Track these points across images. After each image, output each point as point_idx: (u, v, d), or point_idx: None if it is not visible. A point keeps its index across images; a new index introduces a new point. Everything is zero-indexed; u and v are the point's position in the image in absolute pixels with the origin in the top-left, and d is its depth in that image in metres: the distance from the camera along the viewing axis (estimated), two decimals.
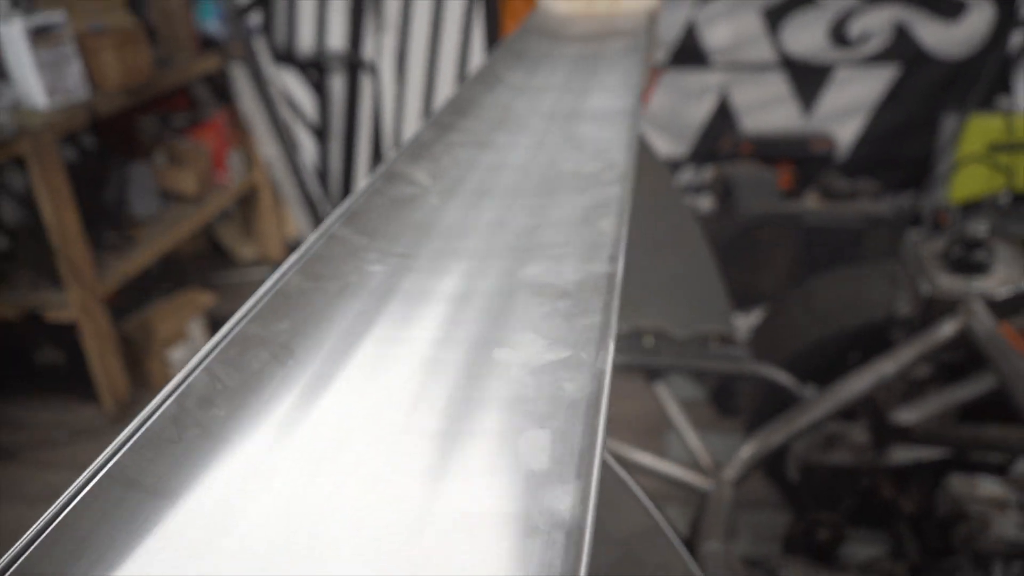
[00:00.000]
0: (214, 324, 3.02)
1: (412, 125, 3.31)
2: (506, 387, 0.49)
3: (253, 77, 3.25)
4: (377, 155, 3.42)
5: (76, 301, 2.51)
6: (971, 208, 2.72)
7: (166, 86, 2.92)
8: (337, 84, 3.34)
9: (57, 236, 2.46)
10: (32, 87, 2.41)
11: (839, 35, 2.89)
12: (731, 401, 2.30)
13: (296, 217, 3.54)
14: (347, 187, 3.50)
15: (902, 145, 2.99)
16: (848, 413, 1.64)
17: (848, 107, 3.00)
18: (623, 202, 0.74)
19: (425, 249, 0.68)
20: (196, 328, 2.92)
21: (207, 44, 3.14)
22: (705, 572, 1.28)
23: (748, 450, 1.45)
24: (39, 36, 2.39)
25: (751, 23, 2.90)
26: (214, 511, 0.40)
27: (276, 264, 0.67)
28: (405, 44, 3.18)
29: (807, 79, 2.98)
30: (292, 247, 3.42)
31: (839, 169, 2.94)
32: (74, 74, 2.51)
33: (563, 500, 0.39)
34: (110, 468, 0.41)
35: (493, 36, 3.08)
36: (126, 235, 2.82)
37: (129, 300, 2.91)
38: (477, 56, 3.17)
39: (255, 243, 3.65)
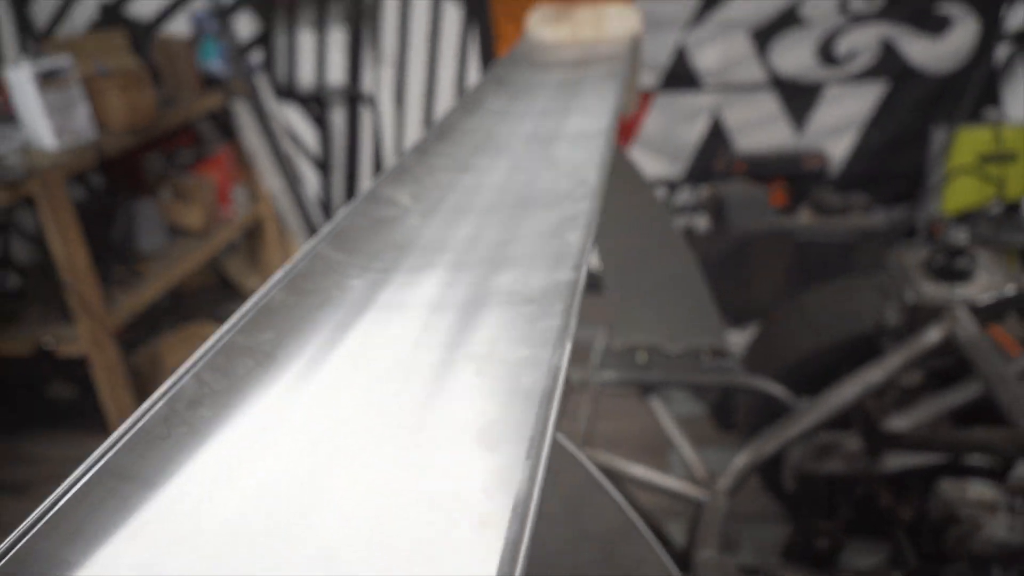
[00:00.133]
0: None
1: None
2: (471, 381, 0.53)
3: (256, 113, 3.33)
4: None
5: (86, 335, 2.56)
6: (964, 219, 2.76)
7: (171, 124, 3.00)
8: (338, 117, 3.42)
9: (67, 272, 2.52)
10: (41, 129, 2.49)
11: (827, 54, 2.95)
12: (730, 416, 2.32)
13: (301, 248, 3.60)
14: None
15: (894, 159, 3.03)
16: (842, 423, 1.67)
17: (839, 124, 3.05)
18: (592, 216, 0.78)
19: (403, 264, 0.72)
20: None
21: (210, 82, 3.22)
22: None
23: (741, 460, 1.48)
24: (47, 80, 2.47)
25: (740, 45, 2.97)
26: (198, 499, 0.44)
27: None
28: (403, 76, 3.26)
29: (798, 98, 3.04)
30: None
31: (832, 185, 2.98)
32: (81, 116, 2.59)
33: (514, 476, 0.43)
34: (104, 462, 0.45)
35: (488, 65, 3.16)
36: (134, 270, 2.88)
37: (138, 333, 2.96)
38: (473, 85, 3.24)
39: (261, 275, 3.71)
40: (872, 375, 1.50)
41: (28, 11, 3.30)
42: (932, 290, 1.54)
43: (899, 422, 1.58)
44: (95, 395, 2.65)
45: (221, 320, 0.58)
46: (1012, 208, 2.75)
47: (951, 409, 1.58)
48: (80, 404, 2.76)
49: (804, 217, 2.52)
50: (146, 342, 2.94)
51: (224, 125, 3.47)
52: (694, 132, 3.16)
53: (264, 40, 3.31)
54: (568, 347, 0.56)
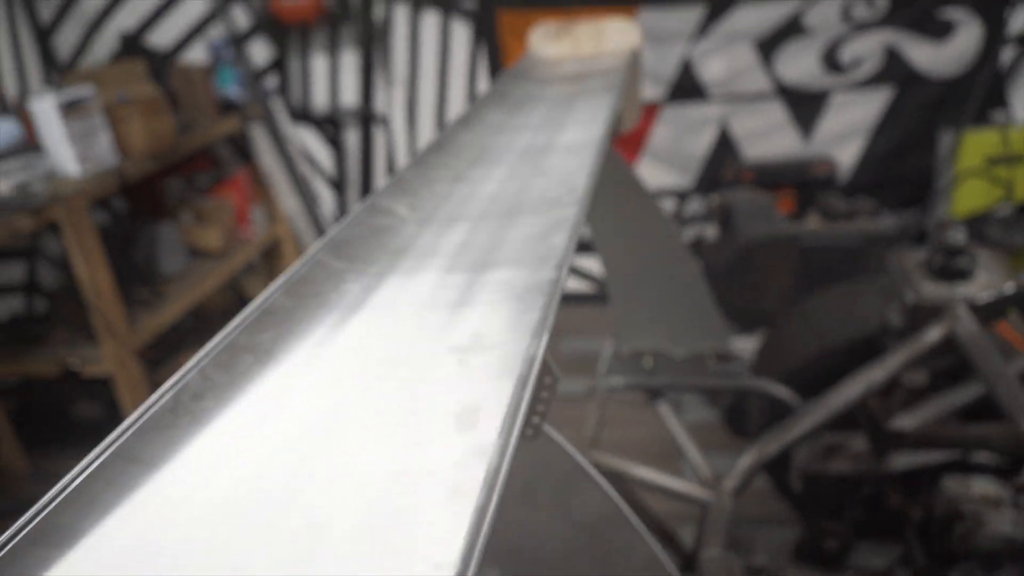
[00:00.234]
0: None
1: None
2: (454, 370, 0.57)
3: (272, 136, 3.41)
4: None
5: (110, 355, 2.63)
6: (973, 222, 2.76)
7: (189, 149, 3.08)
8: (352, 138, 3.49)
9: (91, 294, 2.59)
10: (64, 157, 2.57)
11: (832, 61, 2.97)
12: (743, 422, 2.33)
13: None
14: None
15: (902, 164, 3.05)
16: (849, 424, 1.69)
17: (846, 130, 3.07)
18: (578, 220, 0.82)
19: (398, 268, 0.76)
20: None
21: (227, 107, 3.31)
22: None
23: (746, 461, 1.50)
24: (70, 109, 2.55)
25: (745, 55, 3.00)
26: (197, 479, 0.48)
27: None
28: (414, 96, 3.32)
29: (804, 106, 3.06)
30: None
31: (841, 191, 3.00)
32: (103, 143, 2.67)
33: (486, 452, 0.47)
34: (116, 447, 0.49)
35: None
36: (156, 291, 2.95)
37: (160, 353, 3.03)
38: None
39: None
40: (874, 374, 1.52)
41: (51, 44, 3.41)
42: (932, 290, 1.56)
43: (904, 421, 1.60)
44: (119, 414, 2.72)
45: None
46: (1022, 210, 2.75)
47: (955, 408, 1.59)
48: (105, 423, 2.83)
49: (811, 223, 2.54)
50: (168, 361, 3.00)
51: (241, 148, 3.56)
52: (702, 143, 3.19)
53: (279, 65, 3.39)
54: (545, 338, 0.60)
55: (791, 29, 2.93)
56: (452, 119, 3.34)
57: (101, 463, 0.48)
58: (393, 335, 0.64)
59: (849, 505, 1.68)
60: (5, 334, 2.91)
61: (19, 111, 2.71)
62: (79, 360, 2.66)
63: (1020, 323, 1.62)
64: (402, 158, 3.45)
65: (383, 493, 0.46)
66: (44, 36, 3.38)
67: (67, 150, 2.55)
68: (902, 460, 1.64)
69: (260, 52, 3.36)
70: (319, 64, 3.37)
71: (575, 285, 3.47)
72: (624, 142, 3.21)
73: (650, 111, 3.16)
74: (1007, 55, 2.87)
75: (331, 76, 3.38)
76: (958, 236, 1.58)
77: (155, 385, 2.87)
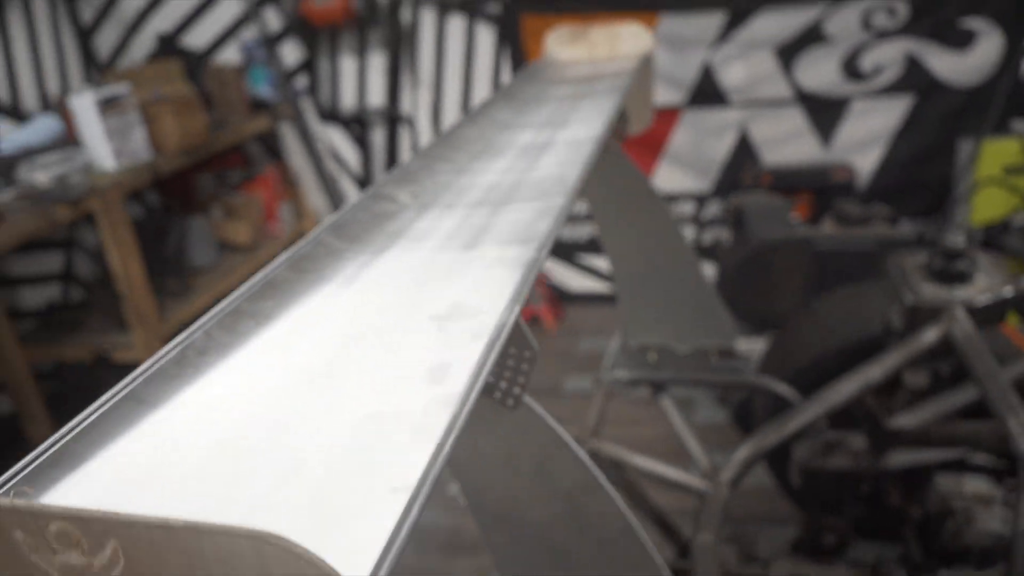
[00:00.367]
0: None
1: None
2: (432, 335, 0.63)
3: (301, 135, 3.50)
4: None
5: (140, 342, 2.73)
6: (991, 230, 2.77)
7: (221, 146, 3.18)
8: (378, 137, 3.57)
9: (124, 285, 2.69)
10: (101, 151, 2.68)
11: (852, 69, 3.00)
12: (752, 422, 2.37)
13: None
14: None
15: (921, 171, 3.05)
16: (849, 422, 1.72)
17: (866, 137, 3.09)
18: (564, 208, 0.88)
19: (393, 247, 0.83)
20: None
21: (258, 106, 3.41)
22: (699, 561, 1.37)
23: (743, 452, 1.54)
24: (107, 106, 2.66)
25: (765, 62, 3.03)
26: (193, 416, 0.55)
27: None
28: (439, 97, 3.40)
29: (824, 112, 3.09)
30: None
31: (860, 197, 3.02)
32: (138, 139, 2.78)
33: (450, 401, 0.53)
34: (126, 392, 0.56)
35: None
36: (186, 283, 3.05)
37: None
38: None
39: None
40: (871, 373, 1.55)
41: (92, 44, 3.54)
42: (930, 292, 1.59)
43: (902, 420, 1.63)
44: None
45: None
46: None
47: (953, 409, 1.62)
48: None
49: (826, 228, 2.57)
50: None
51: (271, 147, 3.66)
52: (722, 147, 3.23)
53: (309, 66, 3.49)
54: (518, 308, 0.65)
55: (811, 36, 2.96)
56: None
57: (113, 404, 0.55)
58: (382, 305, 0.70)
59: (847, 501, 1.71)
60: (43, 321, 3.03)
61: (60, 107, 2.83)
62: (110, 346, 2.76)
63: None
64: None
65: (358, 431, 0.52)
66: (85, 37, 3.51)
67: (104, 145, 2.66)
68: (900, 458, 1.67)
69: (291, 53, 3.45)
70: (347, 65, 3.46)
71: (592, 286, 3.52)
72: (644, 146, 3.25)
73: (670, 116, 3.20)
74: None
75: (359, 77, 3.47)
76: (957, 239, 1.60)
77: None
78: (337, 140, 3.60)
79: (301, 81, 3.50)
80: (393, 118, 3.52)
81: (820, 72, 3.02)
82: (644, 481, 1.71)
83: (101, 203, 2.56)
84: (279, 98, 3.43)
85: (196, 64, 3.48)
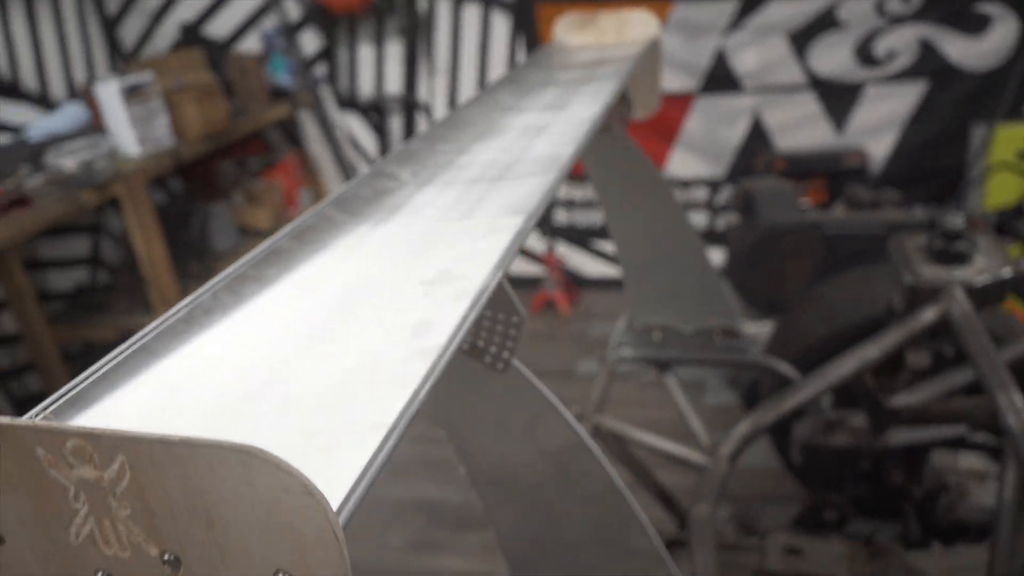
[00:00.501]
0: None
1: None
2: (419, 297, 0.68)
3: (320, 122, 3.57)
4: None
5: None
6: (1003, 215, 2.77)
7: (242, 133, 3.25)
8: (396, 124, 3.63)
9: (148, 268, 2.78)
10: (126, 137, 2.76)
11: (865, 54, 3.00)
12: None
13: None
14: None
15: (935, 157, 3.06)
16: (851, 402, 1.76)
17: (880, 123, 3.10)
18: (554, 183, 0.92)
19: (393, 220, 0.88)
20: None
21: (278, 94, 3.48)
22: (695, 531, 1.41)
23: (743, 427, 1.58)
24: (132, 94, 2.74)
25: (778, 47, 3.05)
26: (197, 364, 0.60)
27: None
28: (455, 84, 3.44)
29: (837, 98, 3.09)
30: None
31: (874, 182, 3.03)
32: (161, 125, 2.85)
33: (429, 353, 0.58)
34: (138, 345, 0.61)
35: None
36: (208, 267, 3.13)
37: None
38: None
39: None
40: (869, 351, 1.58)
41: (117, 34, 3.62)
42: (930, 272, 1.61)
43: (901, 399, 1.66)
44: None
45: None
46: None
47: (953, 388, 1.65)
48: None
49: (837, 212, 2.59)
50: None
51: (291, 134, 3.73)
52: (735, 133, 3.25)
53: (327, 54, 3.55)
54: (501, 273, 0.70)
55: (825, 22, 2.96)
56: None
57: (126, 356, 0.60)
58: (377, 271, 0.75)
59: (847, 479, 1.74)
60: (71, 303, 3.12)
61: (86, 95, 2.91)
62: (136, 328, 2.85)
63: None
64: None
65: (345, 378, 0.57)
66: (110, 27, 3.59)
67: (128, 132, 2.74)
68: (900, 436, 1.69)
69: (310, 42, 3.51)
70: (365, 54, 3.51)
71: (606, 270, 3.55)
72: (658, 132, 3.28)
73: (684, 102, 3.22)
74: None
75: (377, 65, 3.52)
76: (957, 221, 1.63)
77: None
78: (355, 127, 3.66)
79: (320, 69, 3.56)
80: (410, 105, 3.57)
81: (833, 57, 3.03)
82: (648, 460, 1.75)
83: (125, 188, 2.64)
84: (299, 86, 3.49)
85: (218, 53, 3.55)
